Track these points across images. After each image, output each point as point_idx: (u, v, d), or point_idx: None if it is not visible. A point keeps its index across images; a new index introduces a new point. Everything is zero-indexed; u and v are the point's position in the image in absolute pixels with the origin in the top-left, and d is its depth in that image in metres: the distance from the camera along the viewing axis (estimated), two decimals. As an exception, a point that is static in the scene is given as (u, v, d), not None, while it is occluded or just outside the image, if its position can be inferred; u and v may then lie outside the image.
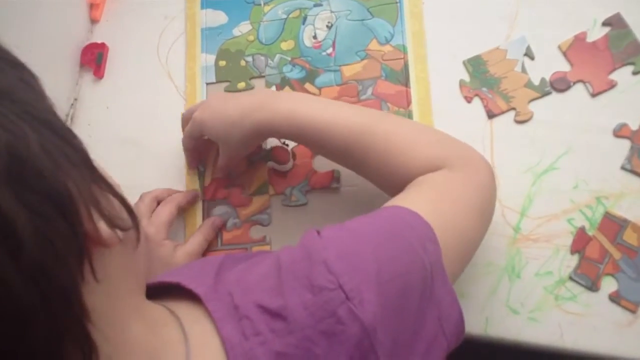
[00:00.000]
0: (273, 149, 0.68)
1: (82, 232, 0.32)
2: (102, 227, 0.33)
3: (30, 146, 0.30)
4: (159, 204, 0.67)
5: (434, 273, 0.43)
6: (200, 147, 0.67)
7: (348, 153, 0.55)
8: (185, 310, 0.42)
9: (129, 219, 0.37)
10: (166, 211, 0.65)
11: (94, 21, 0.78)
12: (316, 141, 0.56)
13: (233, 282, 0.43)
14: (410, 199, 0.49)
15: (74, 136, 0.34)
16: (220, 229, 0.67)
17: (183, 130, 0.66)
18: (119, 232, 0.35)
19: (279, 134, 0.59)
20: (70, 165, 0.32)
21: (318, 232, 0.45)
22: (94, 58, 0.75)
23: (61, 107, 0.50)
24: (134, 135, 0.73)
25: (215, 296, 0.42)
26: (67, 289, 0.31)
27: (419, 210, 0.46)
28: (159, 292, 0.44)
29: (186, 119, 0.65)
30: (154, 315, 0.41)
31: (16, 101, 0.31)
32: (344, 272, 0.40)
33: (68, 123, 0.70)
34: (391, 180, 0.53)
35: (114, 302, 0.36)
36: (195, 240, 0.64)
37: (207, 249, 0.66)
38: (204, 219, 0.68)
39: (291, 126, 0.56)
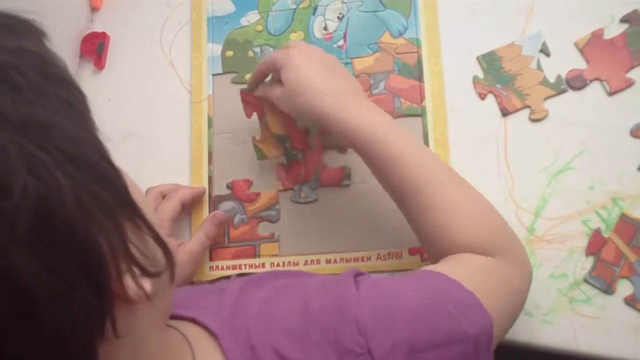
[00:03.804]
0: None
1: (108, 293, 0.29)
2: (130, 284, 0.30)
3: (63, 200, 0.26)
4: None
5: (480, 344, 0.41)
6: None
7: (413, 196, 0.51)
8: (199, 341, 0.41)
9: (163, 259, 0.34)
10: (169, 207, 0.63)
11: (94, 9, 0.75)
12: (384, 169, 0.52)
13: (253, 315, 0.42)
14: (458, 274, 0.45)
15: (113, 169, 0.31)
16: (222, 224, 0.65)
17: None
18: (148, 286, 0.32)
19: (346, 138, 0.54)
20: (104, 214, 0.29)
21: (356, 281, 0.43)
22: (94, 48, 0.73)
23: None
24: (136, 128, 0.70)
25: (231, 331, 0.40)
26: (83, 357, 0.29)
27: (465, 283, 0.44)
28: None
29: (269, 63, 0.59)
30: (178, 351, 0.39)
31: (53, 137, 0.28)
32: (376, 334, 0.38)
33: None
34: (438, 241, 0.50)
35: (138, 351, 0.34)
36: (196, 238, 0.62)
37: (215, 247, 0.65)
38: (210, 215, 0.66)
39: (365, 140, 0.52)
